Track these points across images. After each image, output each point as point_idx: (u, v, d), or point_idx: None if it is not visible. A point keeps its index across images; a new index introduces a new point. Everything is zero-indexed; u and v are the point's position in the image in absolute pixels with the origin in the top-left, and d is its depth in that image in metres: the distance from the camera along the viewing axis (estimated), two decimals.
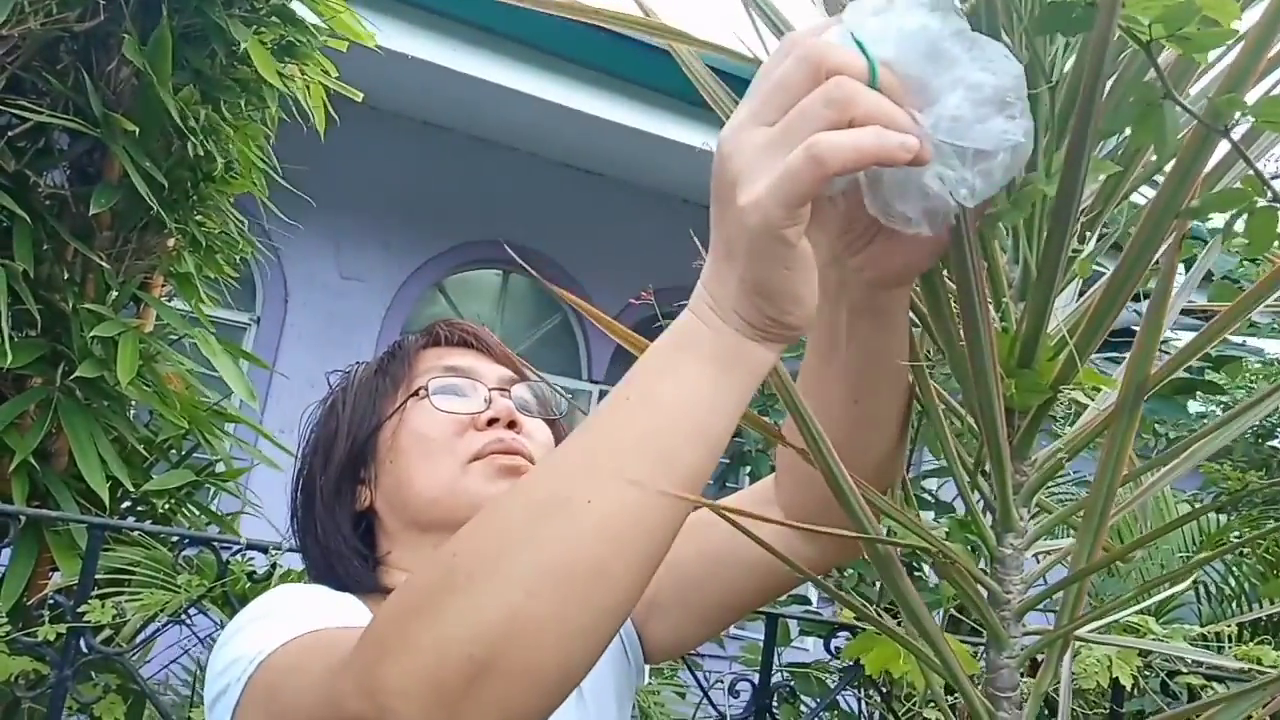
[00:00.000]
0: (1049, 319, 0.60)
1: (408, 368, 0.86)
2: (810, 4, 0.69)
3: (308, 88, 2.00)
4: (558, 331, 5.89)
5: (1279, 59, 0.61)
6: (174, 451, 2.02)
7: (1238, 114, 0.49)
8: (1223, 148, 0.50)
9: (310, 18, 1.89)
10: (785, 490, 0.74)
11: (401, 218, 5.27)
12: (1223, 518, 3.17)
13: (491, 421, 0.82)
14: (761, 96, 0.45)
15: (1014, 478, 0.60)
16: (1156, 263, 0.57)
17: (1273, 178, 0.47)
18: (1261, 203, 0.50)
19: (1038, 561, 0.66)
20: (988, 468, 0.61)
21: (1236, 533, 2.86)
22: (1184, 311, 0.79)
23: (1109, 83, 0.59)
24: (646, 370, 0.48)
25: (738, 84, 0.61)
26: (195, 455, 2.10)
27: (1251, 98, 0.47)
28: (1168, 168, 0.51)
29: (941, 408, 0.66)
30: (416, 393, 0.84)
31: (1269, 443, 3.83)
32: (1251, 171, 0.48)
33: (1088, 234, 0.61)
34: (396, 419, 0.83)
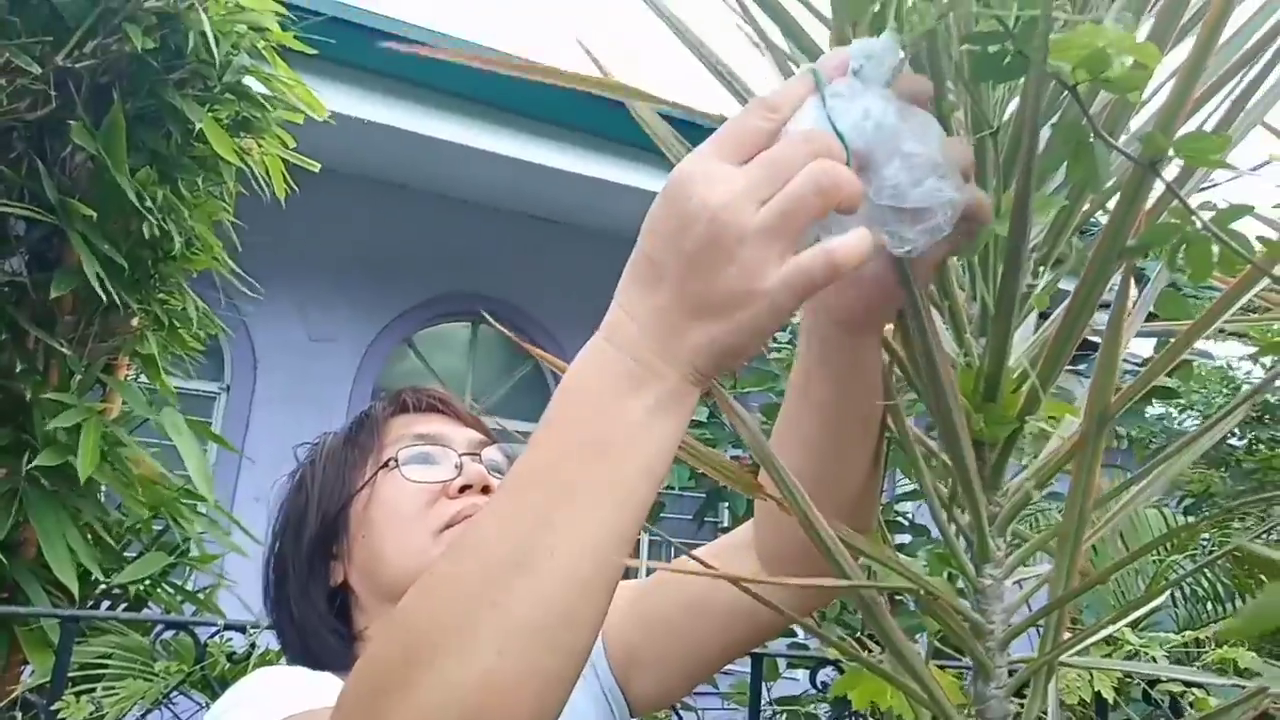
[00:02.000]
0: (1009, 353, 0.61)
1: (376, 437, 0.86)
2: (774, 70, 0.72)
3: (265, 160, 2.01)
4: (530, 378, 5.89)
5: (1207, 95, 0.64)
6: (145, 534, 1.98)
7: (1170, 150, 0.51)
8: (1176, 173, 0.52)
9: (264, 90, 1.90)
10: (764, 534, 0.74)
11: (368, 276, 5.27)
12: (1190, 517, 3.22)
13: (464, 488, 0.82)
14: (759, 175, 0.46)
15: (988, 509, 0.61)
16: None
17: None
18: (1195, 232, 0.52)
19: (1020, 587, 0.67)
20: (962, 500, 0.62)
21: (1205, 535, 2.90)
22: (1141, 333, 0.81)
23: (1057, 117, 0.62)
24: (589, 416, 0.49)
25: (691, 130, 0.63)
26: (168, 535, 2.07)
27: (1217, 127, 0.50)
28: (1113, 201, 0.54)
29: (916, 443, 0.67)
30: (386, 464, 0.83)
31: (1227, 441, 3.91)
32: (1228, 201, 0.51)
33: (1040, 269, 0.63)
34: (367, 491, 0.83)
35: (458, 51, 0.78)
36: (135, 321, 1.74)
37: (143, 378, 1.95)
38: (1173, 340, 0.62)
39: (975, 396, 0.62)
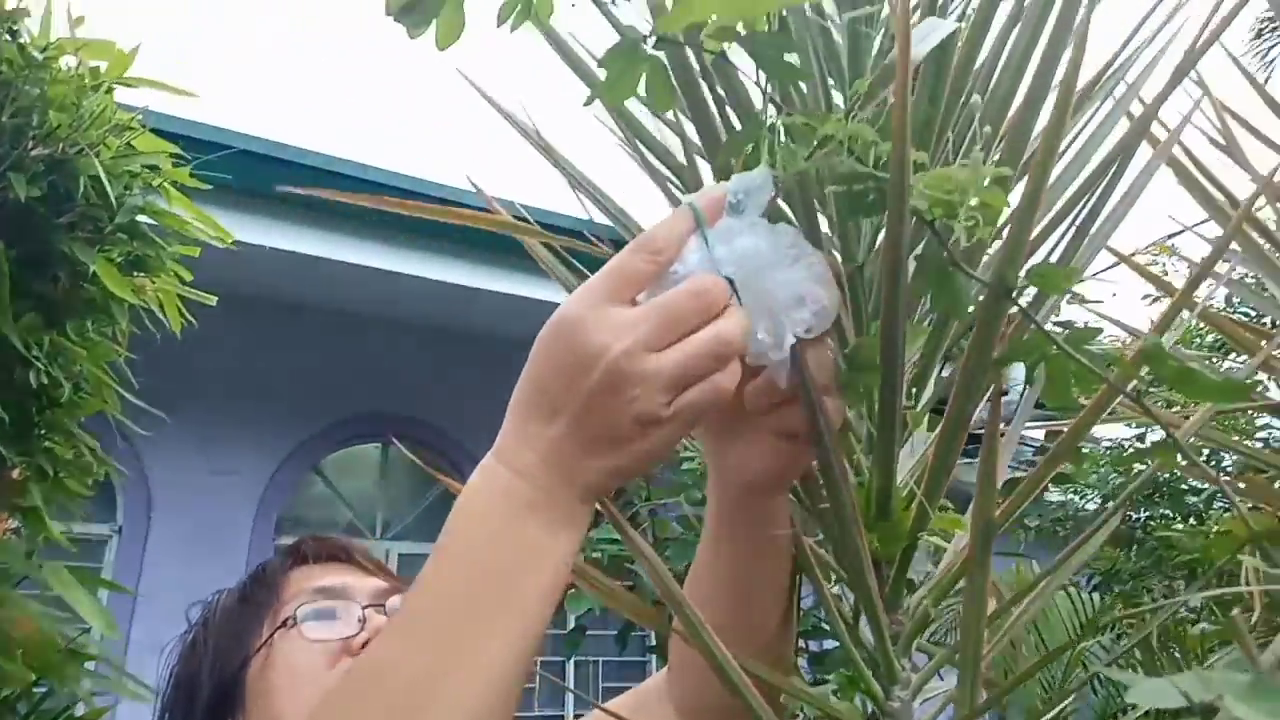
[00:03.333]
0: (896, 471, 0.64)
1: (274, 594, 0.83)
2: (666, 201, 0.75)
3: (160, 296, 1.96)
4: (445, 499, 5.74)
5: (1051, 228, 0.69)
6: (22, 703, 1.83)
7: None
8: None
9: (159, 226, 1.87)
10: (678, 681, 0.73)
11: (271, 403, 5.12)
12: (1098, 595, 3.31)
13: (367, 644, 0.79)
14: (657, 327, 0.50)
15: (890, 628, 0.63)
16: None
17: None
18: (1053, 351, 0.55)
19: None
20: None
21: (1115, 610, 2.98)
22: (1031, 423, 0.86)
23: (921, 247, 0.66)
24: (488, 542, 0.51)
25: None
26: (51, 700, 1.90)
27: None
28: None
29: (819, 564, 0.68)
30: (284, 623, 0.80)
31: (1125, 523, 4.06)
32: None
33: (914, 390, 0.66)
34: (264, 653, 0.79)
35: (354, 196, 0.80)
36: (16, 473, 1.65)
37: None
38: (1057, 441, 0.65)
39: (869, 515, 0.64)
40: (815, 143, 0.52)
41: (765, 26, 0.55)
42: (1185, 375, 0.49)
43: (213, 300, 2.08)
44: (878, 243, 0.69)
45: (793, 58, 0.56)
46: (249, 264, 4.10)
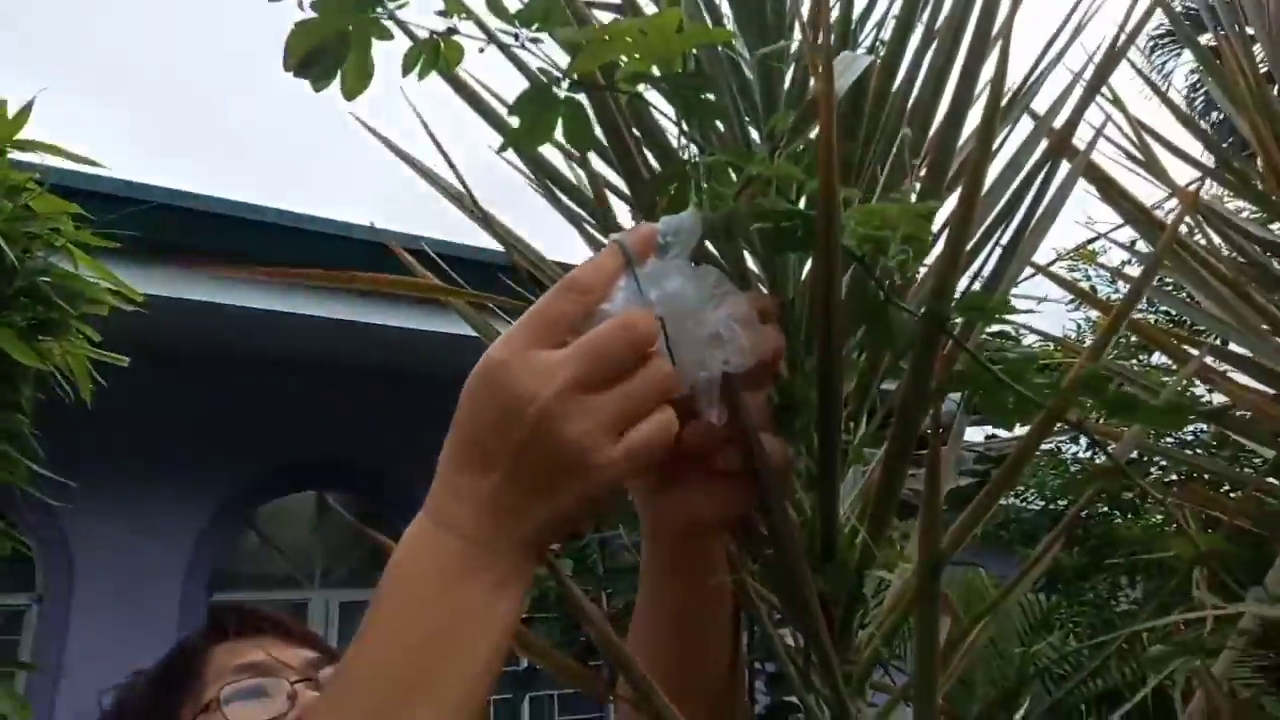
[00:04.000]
0: (839, 508, 0.62)
1: (195, 675, 0.78)
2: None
3: (69, 359, 1.88)
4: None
5: (978, 248, 0.69)
6: None
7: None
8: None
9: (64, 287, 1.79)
10: None
11: (199, 457, 4.93)
12: (1044, 595, 3.37)
13: None
14: (587, 367, 0.47)
15: (841, 668, 0.61)
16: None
17: None
18: (990, 379, 0.55)
19: None
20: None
21: (1061, 611, 3.03)
22: (968, 449, 0.85)
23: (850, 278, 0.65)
24: (429, 604, 0.47)
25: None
26: None
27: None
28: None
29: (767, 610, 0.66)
30: (207, 706, 0.75)
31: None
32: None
33: (850, 424, 0.65)
34: None
35: (268, 270, 0.76)
36: None
37: None
38: (988, 485, 0.64)
39: (813, 555, 0.63)
40: (742, 182, 0.51)
41: (680, 67, 0.53)
42: (1126, 402, 0.48)
43: (124, 361, 2.00)
44: (803, 275, 0.68)
45: (708, 96, 0.55)
46: (167, 317, 3.97)
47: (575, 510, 0.48)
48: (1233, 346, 1.01)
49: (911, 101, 0.68)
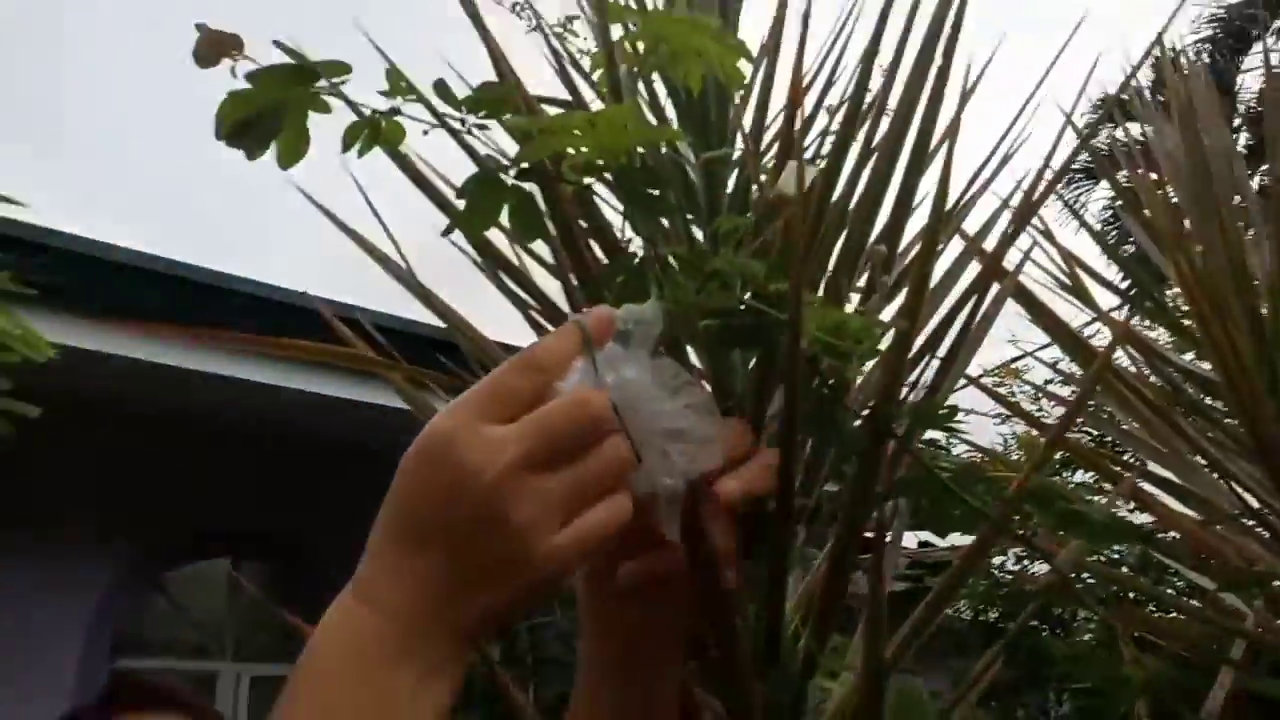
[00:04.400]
0: (785, 615, 0.60)
1: None
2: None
3: None
4: (306, 616, 5.34)
5: (917, 359, 0.70)
6: None
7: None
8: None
9: None
10: None
11: (109, 514, 4.68)
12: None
13: None
14: (538, 445, 0.45)
15: None
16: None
17: None
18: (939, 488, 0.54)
19: None
20: None
21: None
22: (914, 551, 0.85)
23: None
24: (352, 691, 0.43)
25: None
26: None
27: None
28: None
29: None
30: None
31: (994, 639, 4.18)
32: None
33: (797, 526, 0.64)
34: None
35: (195, 331, 0.73)
36: None
37: None
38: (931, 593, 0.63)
39: (756, 660, 0.60)
40: (702, 278, 0.50)
41: (627, 161, 0.53)
42: (1073, 518, 0.48)
43: (34, 412, 1.91)
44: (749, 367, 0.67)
45: (654, 191, 0.55)
46: (87, 369, 3.83)
47: (517, 600, 0.45)
48: (1153, 467, 1.05)
49: (850, 211, 0.70)
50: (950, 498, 0.51)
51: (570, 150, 0.53)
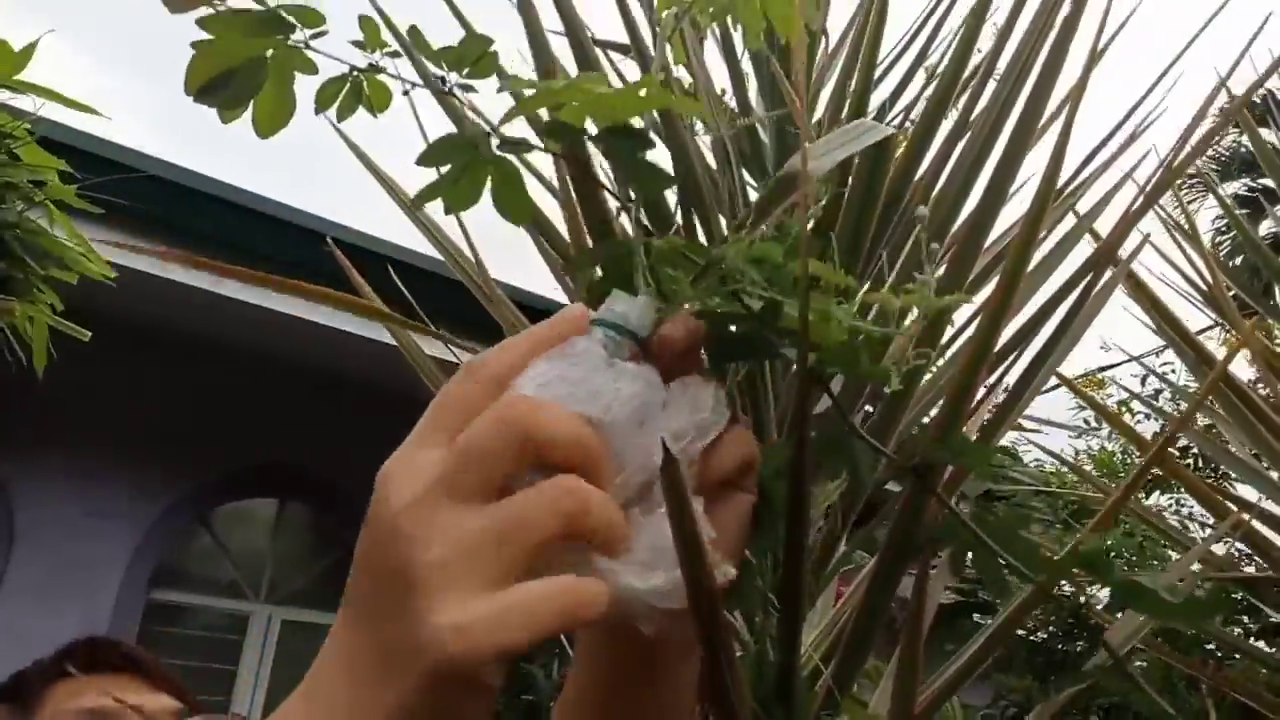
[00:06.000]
0: (800, 647, 0.53)
1: (29, 713, 0.67)
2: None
3: (28, 325, 1.78)
4: (340, 564, 5.41)
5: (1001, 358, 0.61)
6: None
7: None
8: None
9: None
10: None
11: (162, 446, 4.77)
12: None
13: None
14: (456, 465, 0.33)
15: None
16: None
17: None
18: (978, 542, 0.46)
19: None
20: None
21: None
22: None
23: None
24: None
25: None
26: None
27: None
28: None
29: None
30: None
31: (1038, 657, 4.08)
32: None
33: (822, 557, 0.56)
34: None
35: (246, 271, 0.69)
36: None
37: None
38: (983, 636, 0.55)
39: (766, 695, 0.53)
40: (699, 270, 0.41)
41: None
42: (1133, 590, 0.39)
43: (86, 335, 1.90)
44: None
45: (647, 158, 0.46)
46: (147, 294, 3.88)
47: (424, 699, 0.31)
48: (1269, 505, 0.92)
49: (938, 189, 0.61)
50: (991, 556, 0.42)
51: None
